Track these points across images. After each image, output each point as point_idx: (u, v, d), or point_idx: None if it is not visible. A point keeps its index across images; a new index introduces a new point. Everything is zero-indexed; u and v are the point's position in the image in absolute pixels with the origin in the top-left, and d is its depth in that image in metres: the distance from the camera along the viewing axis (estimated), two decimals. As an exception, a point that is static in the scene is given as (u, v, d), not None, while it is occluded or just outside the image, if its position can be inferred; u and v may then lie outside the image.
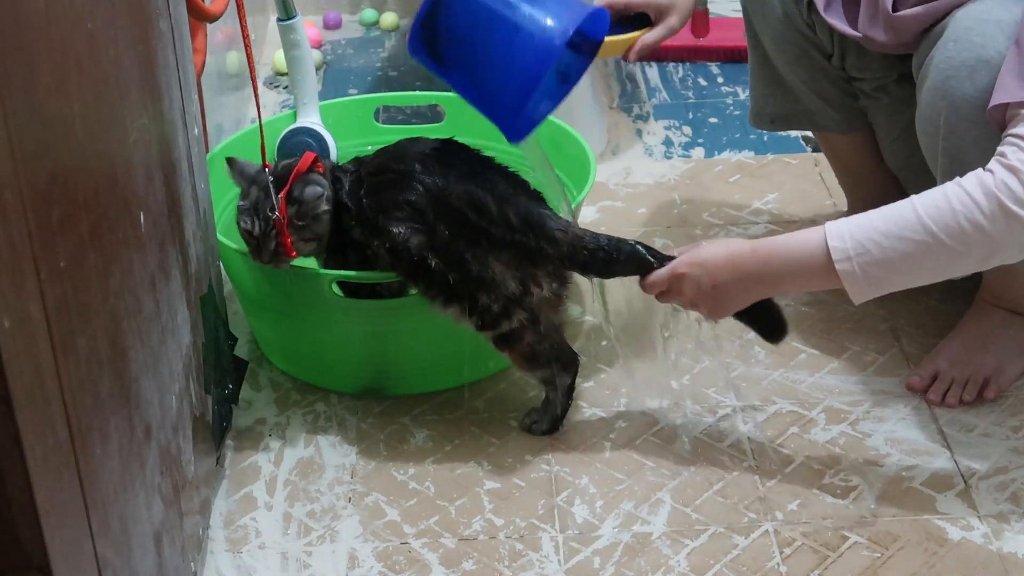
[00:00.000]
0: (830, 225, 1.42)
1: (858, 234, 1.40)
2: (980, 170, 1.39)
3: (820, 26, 1.74)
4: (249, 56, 1.62)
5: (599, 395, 1.74)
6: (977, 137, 1.48)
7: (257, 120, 1.65)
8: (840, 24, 1.68)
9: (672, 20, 1.66)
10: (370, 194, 1.60)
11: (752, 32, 1.81)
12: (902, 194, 1.86)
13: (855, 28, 1.66)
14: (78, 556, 1.00)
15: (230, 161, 1.63)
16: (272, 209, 1.57)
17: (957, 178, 1.40)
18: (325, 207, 1.60)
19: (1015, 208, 1.35)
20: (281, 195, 1.57)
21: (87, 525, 1.01)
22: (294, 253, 1.59)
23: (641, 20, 1.68)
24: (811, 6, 1.73)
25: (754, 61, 1.85)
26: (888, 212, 1.41)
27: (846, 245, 1.40)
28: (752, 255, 1.47)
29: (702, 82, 2.59)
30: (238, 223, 1.61)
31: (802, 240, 1.44)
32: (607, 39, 1.62)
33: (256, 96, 1.62)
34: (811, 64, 1.78)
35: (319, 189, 1.59)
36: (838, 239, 1.40)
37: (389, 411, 1.72)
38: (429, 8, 1.48)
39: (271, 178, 1.59)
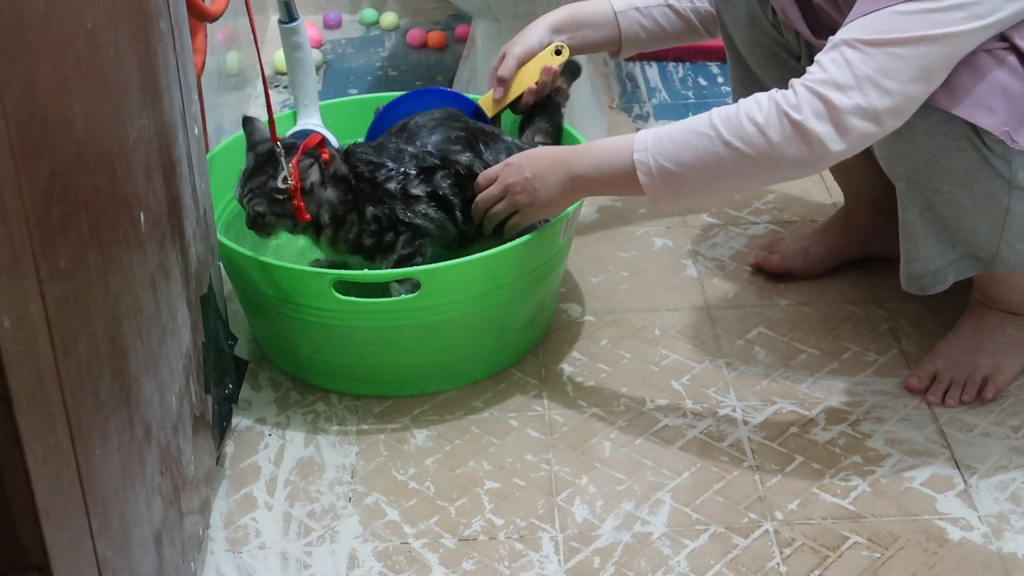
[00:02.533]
0: (642, 131, 1.55)
1: (660, 132, 1.53)
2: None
3: (786, 28, 1.74)
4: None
5: (599, 395, 1.74)
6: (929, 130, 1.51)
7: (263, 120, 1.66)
8: (801, 26, 1.69)
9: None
10: (409, 140, 1.75)
11: (726, 34, 1.82)
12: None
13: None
14: (78, 556, 1.00)
15: (248, 120, 1.75)
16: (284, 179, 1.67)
17: None
18: (315, 177, 1.69)
19: (790, 111, 1.44)
20: (292, 163, 1.66)
21: (87, 525, 1.01)
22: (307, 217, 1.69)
23: None
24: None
25: (731, 62, 1.85)
26: (689, 119, 1.52)
27: (646, 138, 1.53)
28: (571, 152, 1.62)
29: (702, 82, 2.59)
30: (268, 195, 1.68)
31: (615, 140, 1.58)
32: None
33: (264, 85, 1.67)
34: (782, 65, 1.78)
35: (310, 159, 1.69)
36: (642, 135, 1.54)
37: (389, 411, 1.72)
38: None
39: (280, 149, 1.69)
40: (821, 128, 1.43)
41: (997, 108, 1.47)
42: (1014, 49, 1.47)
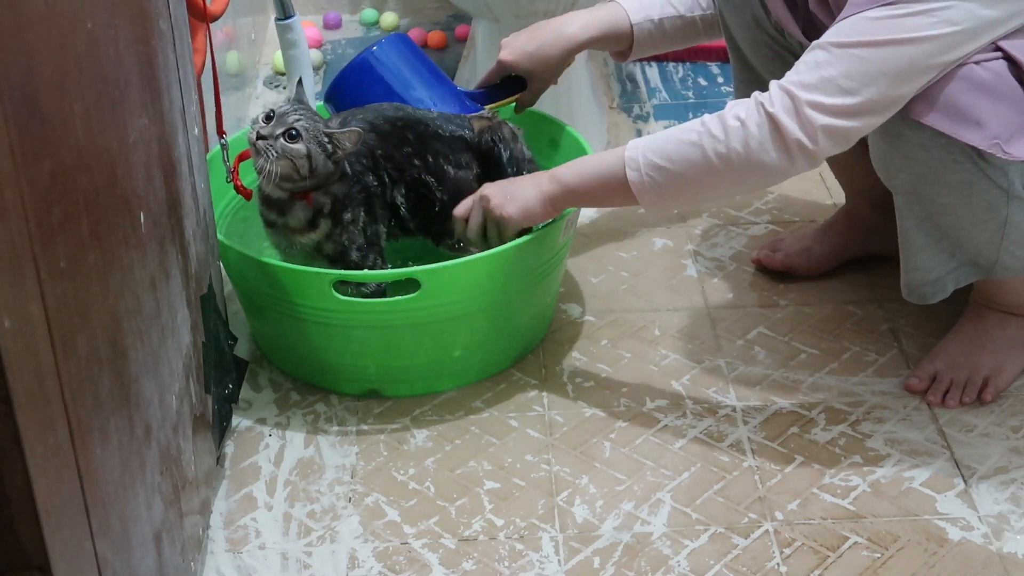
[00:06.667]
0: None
1: (653, 135, 1.57)
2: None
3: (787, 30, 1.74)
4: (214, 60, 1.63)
5: (599, 395, 1.74)
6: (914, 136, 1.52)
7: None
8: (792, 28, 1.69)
9: (533, 85, 1.88)
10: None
11: (729, 35, 1.82)
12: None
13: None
14: (78, 556, 1.00)
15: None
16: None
17: None
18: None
19: (767, 106, 1.49)
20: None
21: (87, 525, 1.01)
22: None
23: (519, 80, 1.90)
24: None
25: (734, 63, 1.85)
26: (681, 125, 1.57)
27: (639, 140, 1.57)
28: (556, 168, 1.64)
29: (702, 82, 2.59)
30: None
31: (604, 152, 1.62)
32: (488, 107, 1.86)
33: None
34: (785, 65, 1.77)
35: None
36: (635, 140, 1.57)
37: (389, 411, 1.72)
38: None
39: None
40: (791, 125, 1.48)
41: (985, 121, 1.47)
42: (1007, 58, 1.47)
